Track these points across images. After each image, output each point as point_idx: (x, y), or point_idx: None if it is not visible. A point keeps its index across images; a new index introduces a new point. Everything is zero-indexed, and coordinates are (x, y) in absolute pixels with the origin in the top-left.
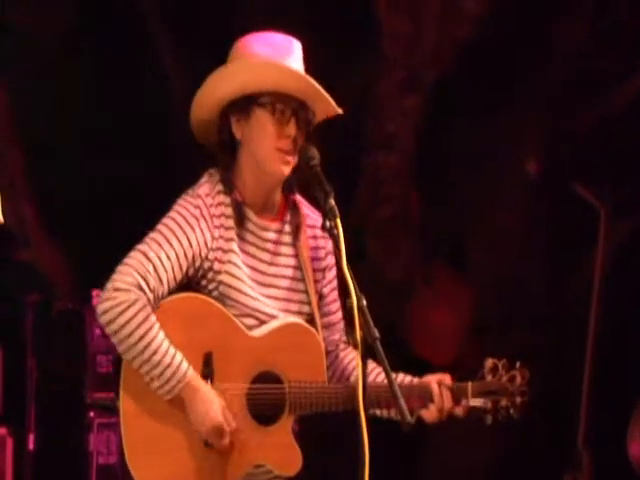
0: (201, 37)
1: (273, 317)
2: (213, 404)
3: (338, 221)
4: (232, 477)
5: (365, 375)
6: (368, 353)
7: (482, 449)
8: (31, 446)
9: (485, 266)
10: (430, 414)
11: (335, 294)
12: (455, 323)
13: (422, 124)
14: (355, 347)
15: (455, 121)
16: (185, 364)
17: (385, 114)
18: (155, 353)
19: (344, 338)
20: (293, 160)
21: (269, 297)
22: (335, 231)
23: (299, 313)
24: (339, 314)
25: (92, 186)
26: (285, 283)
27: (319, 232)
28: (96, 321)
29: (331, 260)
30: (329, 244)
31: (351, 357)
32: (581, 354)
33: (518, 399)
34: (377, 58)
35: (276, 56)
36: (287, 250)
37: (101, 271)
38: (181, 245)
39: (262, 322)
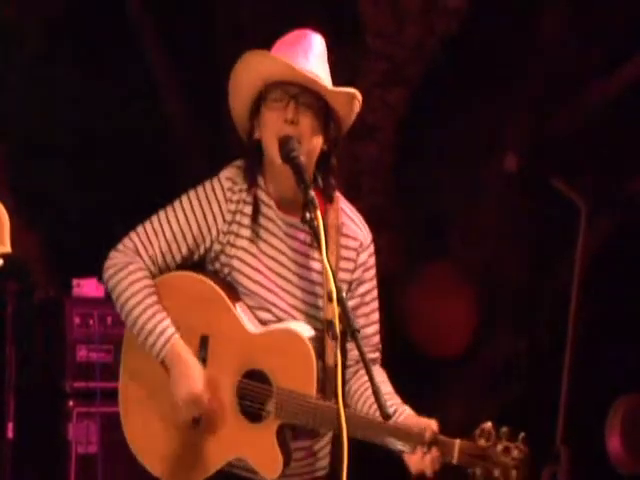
0: (186, 27)
1: (290, 315)
2: (194, 371)
3: (318, 213)
4: (214, 462)
5: (345, 367)
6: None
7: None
8: (10, 435)
9: (464, 261)
10: (414, 465)
11: (365, 310)
12: (453, 315)
13: (403, 116)
14: (334, 339)
15: (436, 114)
16: (170, 330)
17: (366, 106)
18: (140, 317)
19: (372, 356)
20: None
21: (289, 294)
22: (315, 223)
23: (316, 318)
24: (367, 330)
25: (72, 176)
26: (307, 285)
27: (354, 244)
28: (76, 310)
29: (363, 276)
30: (364, 259)
31: (365, 379)
32: (560, 350)
33: (514, 473)
34: (359, 51)
35: (294, 53)
36: (314, 253)
37: (81, 260)
38: (187, 219)
39: (279, 319)
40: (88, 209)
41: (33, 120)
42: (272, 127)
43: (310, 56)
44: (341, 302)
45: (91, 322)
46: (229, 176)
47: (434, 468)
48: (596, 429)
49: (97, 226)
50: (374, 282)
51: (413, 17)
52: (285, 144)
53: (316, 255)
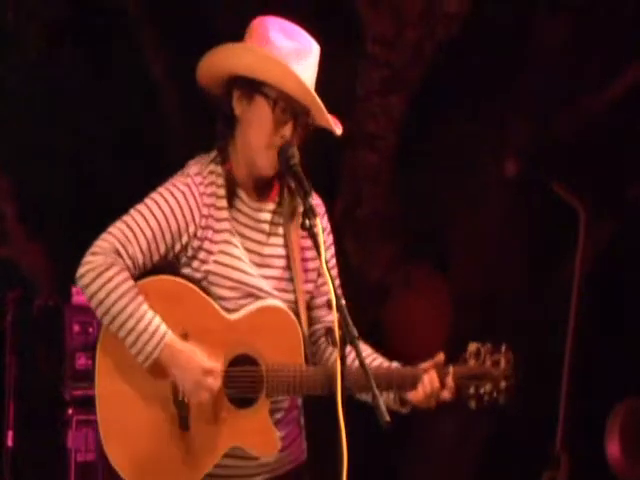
0: (184, 32)
1: (273, 296)
2: (196, 353)
3: (318, 220)
4: (208, 461)
5: (344, 374)
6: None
7: (464, 449)
8: (10, 443)
9: (465, 267)
10: (416, 395)
11: (333, 273)
12: (436, 324)
13: (402, 122)
14: (334, 345)
15: (437, 121)
16: (163, 328)
17: (366, 113)
18: (130, 317)
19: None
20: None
21: (265, 277)
22: (314, 230)
23: (294, 292)
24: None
25: (73, 183)
26: (280, 262)
27: (320, 210)
28: (75, 318)
29: (328, 239)
30: (326, 223)
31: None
32: (560, 356)
33: (503, 384)
34: (358, 56)
35: (294, 53)
36: (280, 231)
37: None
38: (164, 216)
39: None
40: (89, 216)
41: (33, 122)
42: (266, 131)
43: (314, 72)
44: (341, 309)
45: (90, 330)
46: (197, 172)
47: (439, 390)
48: (596, 435)
49: (97, 229)
50: (333, 246)
51: (412, 22)
52: (284, 152)
53: (279, 231)
